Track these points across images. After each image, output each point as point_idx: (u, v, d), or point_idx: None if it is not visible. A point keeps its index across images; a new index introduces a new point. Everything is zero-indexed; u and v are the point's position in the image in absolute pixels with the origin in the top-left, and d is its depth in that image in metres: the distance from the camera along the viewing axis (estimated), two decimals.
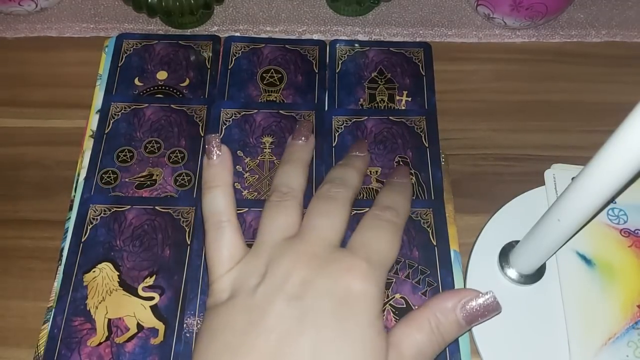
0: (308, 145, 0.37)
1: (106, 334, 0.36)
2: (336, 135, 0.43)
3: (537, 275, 0.38)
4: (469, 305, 0.31)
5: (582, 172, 0.28)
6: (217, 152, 0.34)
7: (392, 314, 0.37)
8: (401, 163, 0.42)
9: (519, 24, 0.49)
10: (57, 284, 0.38)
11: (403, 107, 0.45)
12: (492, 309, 0.31)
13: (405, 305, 0.37)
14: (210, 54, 0.47)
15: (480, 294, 0.31)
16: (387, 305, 0.37)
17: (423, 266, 0.38)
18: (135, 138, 0.43)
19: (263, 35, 0.50)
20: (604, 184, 0.27)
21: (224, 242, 0.32)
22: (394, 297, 0.37)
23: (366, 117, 0.44)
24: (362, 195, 0.41)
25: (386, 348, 0.29)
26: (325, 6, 0.51)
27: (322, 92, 0.46)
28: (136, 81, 0.46)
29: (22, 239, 0.41)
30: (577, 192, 0.29)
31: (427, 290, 0.38)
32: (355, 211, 0.40)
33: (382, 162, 0.42)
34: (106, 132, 0.43)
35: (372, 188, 0.41)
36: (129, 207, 0.40)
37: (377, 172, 0.42)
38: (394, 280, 0.38)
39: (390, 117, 0.44)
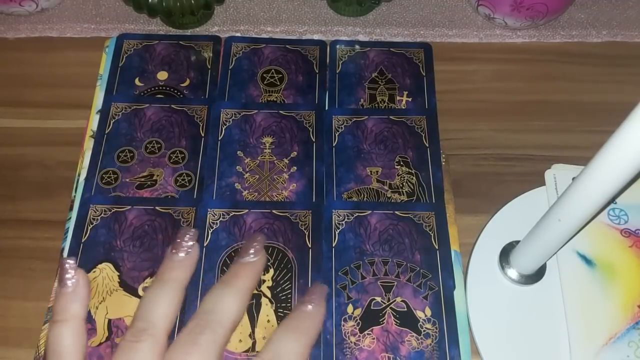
0: (189, 260, 0.30)
1: (106, 334, 0.36)
2: (336, 135, 0.43)
3: (537, 275, 0.38)
4: None
5: (583, 172, 0.28)
6: (71, 279, 0.29)
7: (393, 317, 0.37)
8: (401, 162, 0.42)
9: (520, 24, 0.49)
10: (57, 284, 0.38)
11: (403, 107, 0.45)
12: None
13: (406, 309, 0.37)
14: (211, 54, 0.47)
15: None
16: (388, 308, 0.37)
17: (424, 270, 0.38)
18: (136, 138, 0.43)
19: (264, 36, 0.50)
20: (604, 184, 0.27)
21: None
22: (394, 300, 0.37)
23: (366, 117, 0.44)
24: (362, 195, 0.41)
25: None
26: (326, 6, 0.51)
27: (322, 92, 0.46)
28: (137, 81, 0.46)
29: (23, 239, 0.41)
30: (578, 192, 0.29)
31: (428, 294, 0.38)
32: (357, 213, 0.40)
33: (382, 162, 0.42)
34: (107, 132, 0.43)
35: (373, 188, 0.41)
36: (130, 207, 0.40)
37: (377, 172, 0.42)
38: (395, 283, 0.38)
39: (391, 117, 0.44)
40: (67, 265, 0.29)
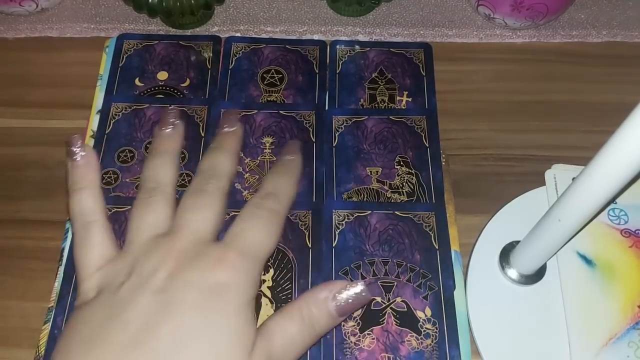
0: (176, 133, 0.36)
1: None
2: (336, 135, 0.43)
3: (537, 275, 0.38)
4: (339, 297, 0.31)
5: (583, 172, 0.28)
6: (81, 152, 0.33)
7: (393, 317, 0.37)
8: (401, 163, 0.42)
9: (520, 24, 0.49)
10: (57, 284, 0.38)
11: (403, 107, 0.45)
12: (362, 300, 0.32)
13: (406, 309, 0.37)
14: (211, 54, 0.47)
15: (349, 285, 0.31)
16: (388, 308, 0.37)
17: (424, 270, 0.38)
18: (136, 138, 0.43)
19: (264, 36, 0.50)
20: (604, 184, 0.27)
21: (92, 242, 0.31)
22: (395, 300, 0.37)
23: (366, 117, 0.44)
24: (362, 195, 0.41)
25: (254, 337, 0.29)
26: (325, 6, 0.51)
27: (322, 92, 0.46)
28: (137, 81, 0.46)
29: (23, 239, 0.41)
30: (578, 192, 0.29)
31: (428, 294, 0.38)
32: (357, 213, 0.40)
33: (382, 162, 0.42)
34: (107, 132, 0.43)
35: (373, 188, 0.41)
36: (130, 207, 0.40)
37: (377, 172, 0.42)
38: (395, 283, 0.38)
39: (391, 117, 0.44)
40: (76, 142, 0.33)
